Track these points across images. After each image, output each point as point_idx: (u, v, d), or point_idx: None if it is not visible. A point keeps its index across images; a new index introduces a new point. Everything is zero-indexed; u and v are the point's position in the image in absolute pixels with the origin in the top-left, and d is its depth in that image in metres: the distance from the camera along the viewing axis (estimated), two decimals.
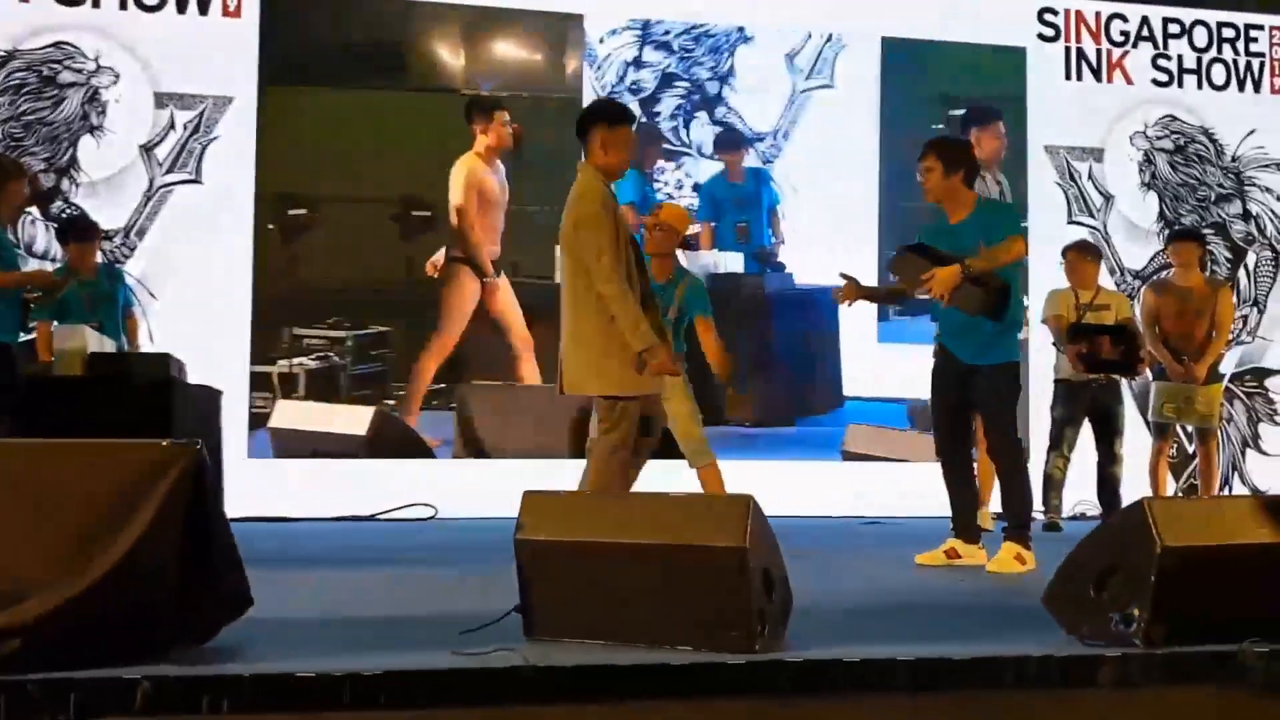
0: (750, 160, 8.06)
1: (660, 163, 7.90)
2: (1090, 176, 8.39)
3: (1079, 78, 8.46)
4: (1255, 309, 8.59)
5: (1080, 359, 6.31)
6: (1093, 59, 8.49)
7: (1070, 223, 8.23)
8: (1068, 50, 8.44)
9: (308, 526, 6.50)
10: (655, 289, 4.70)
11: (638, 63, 7.91)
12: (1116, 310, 6.52)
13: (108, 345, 5.41)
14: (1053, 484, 6.58)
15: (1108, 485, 6.45)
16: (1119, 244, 8.38)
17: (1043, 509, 6.59)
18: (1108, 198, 8.41)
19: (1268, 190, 8.67)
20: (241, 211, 7.20)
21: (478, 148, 7.51)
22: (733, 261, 8.03)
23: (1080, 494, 6.82)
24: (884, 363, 7.93)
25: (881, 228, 8.02)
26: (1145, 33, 8.57)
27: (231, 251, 7.15)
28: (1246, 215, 8.65)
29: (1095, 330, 6.37)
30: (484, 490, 6.43)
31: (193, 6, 7.20)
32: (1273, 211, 8.67)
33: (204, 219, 7.12)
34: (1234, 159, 8.63)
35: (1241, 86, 8.68)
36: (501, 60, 7.80)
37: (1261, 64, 8.72)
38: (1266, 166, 8.66)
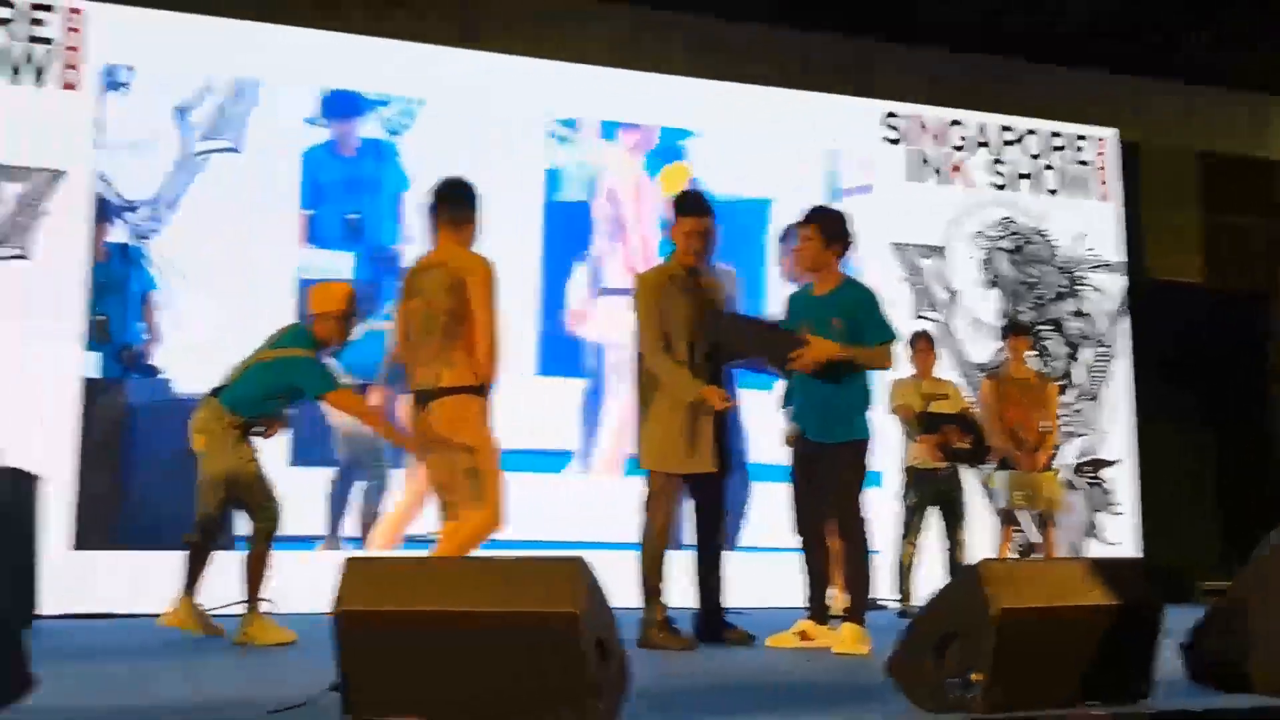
0: (118, 235, 6.57)
1: None
2: (935, 273, 8.67)
3: (922, 179, 8.79)
4: (1092, 402, 8.92)
5: (938, 448, 6.42)
6: (935, 161, 8.84)
7: (916, 317, 8.46)
8: (910, 153, 8.78)
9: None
10: None
11: None
12: (954, 398, 6.68)
13: None
14: (904, 570, 6.62)
15: (955, 570, 6.52)
16: (963, 338, 8.64)
17: (898, 596, 6.63)
18: (952, 293, 8.69)
19: (1098, 290, 9.08)
20: None
21: None
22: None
23: (936, 582, 6.88)
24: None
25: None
26: (982, 139, 8.99)
27: None
28: (1080, 313, 9.03)
29: (943, 419, 6.50)
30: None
31: None
32: (1103, 310, 9.08)
33: None
34: (1067, 260, 9.04)
35: (1071, 192, 9.14)
36: None
37: (1089, 171, 9.21)
38: (1096, 268, 9.10)
